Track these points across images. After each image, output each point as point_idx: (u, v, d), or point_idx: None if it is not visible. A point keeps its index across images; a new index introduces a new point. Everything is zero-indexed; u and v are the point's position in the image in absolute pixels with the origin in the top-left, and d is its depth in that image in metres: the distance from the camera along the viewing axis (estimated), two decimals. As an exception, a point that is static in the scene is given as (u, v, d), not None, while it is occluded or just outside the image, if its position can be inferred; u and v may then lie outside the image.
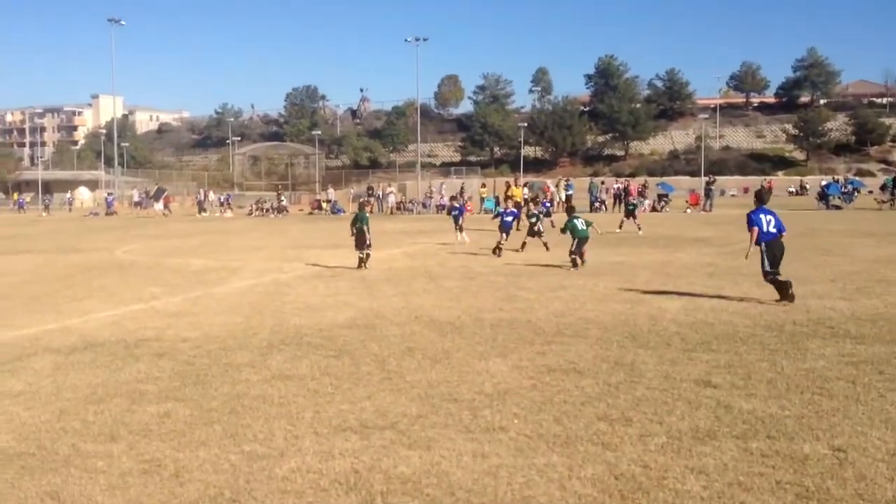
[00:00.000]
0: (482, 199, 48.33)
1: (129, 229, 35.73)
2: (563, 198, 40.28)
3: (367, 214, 17.57)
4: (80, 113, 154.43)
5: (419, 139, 78.76)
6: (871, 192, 50.79)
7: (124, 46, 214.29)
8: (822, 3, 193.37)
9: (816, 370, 7.31)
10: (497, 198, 45.73)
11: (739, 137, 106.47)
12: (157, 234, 31.37)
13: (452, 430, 5.80)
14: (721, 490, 4.62)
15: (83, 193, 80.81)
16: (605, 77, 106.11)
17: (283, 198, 53.57)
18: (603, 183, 51.79)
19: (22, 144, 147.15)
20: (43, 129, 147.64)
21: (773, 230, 11.03)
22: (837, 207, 41.33)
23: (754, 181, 68.74)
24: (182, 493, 4.77)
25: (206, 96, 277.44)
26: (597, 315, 10.45)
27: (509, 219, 20.08)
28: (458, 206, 24.93)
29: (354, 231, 16.78)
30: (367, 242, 16.65)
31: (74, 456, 5.44)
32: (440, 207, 47.10)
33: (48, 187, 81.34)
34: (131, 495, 4.76)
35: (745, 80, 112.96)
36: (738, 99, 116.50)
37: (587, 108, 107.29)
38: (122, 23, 66.40)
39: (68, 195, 73.71)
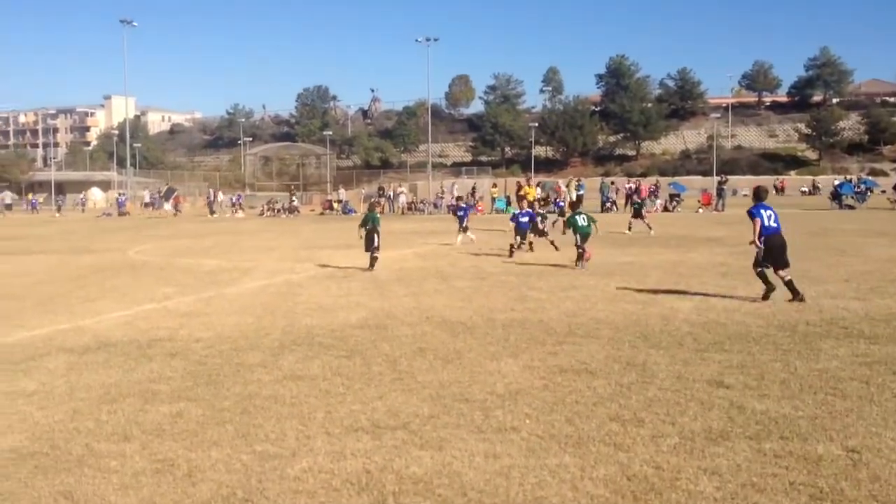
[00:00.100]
0: (493, 199, 48.37)
1: (141, 230, 35.91)
2: (574, 198, 40.10)
3: (378, 215, 17.30)
4: (92, 114, 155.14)
5: (430, 139, 78.72)
6: (884, 191, 50.44)
7: (137, 47, 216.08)
8: (834, 2, 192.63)
9: (830, 370, 7.26)
10: (508, 197, 45.78)
11: (751, 137, 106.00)
12: (170, 235, 31.52)
13: (464, 431, 5.79)
14: (734, 491, 4.59)
15: (96, 194, 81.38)
16: (617, 77, 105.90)
17: (294, 198, 53.70)
18: (613, 183, 51.53)
19: (35, 145, 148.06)
20: (56, 130, 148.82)
21: (773, 224, 11.17)
22: (850, 207, 41.09)
23: (767, 181, 67.83)
24: (194, 492, 4.79)
25: (218, 97, 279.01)
26: (608, 315, 10.42)
27: (525, 220, 19.43)
28: (464, 205, 24.88)
29: (364, 232, 16.46)
30: (376, 245, 16.30)
31: (88, 455, 5.46)
32: (451, 208, 47.07)
33: (61, 188, 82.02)
34: (144, 495, 4.78)
35: (757, 80, 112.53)
36: (751, 98, 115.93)
37: (598, 108, 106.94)
38: (135, 24, 66.60)
39: (81, 196, 74.30)
